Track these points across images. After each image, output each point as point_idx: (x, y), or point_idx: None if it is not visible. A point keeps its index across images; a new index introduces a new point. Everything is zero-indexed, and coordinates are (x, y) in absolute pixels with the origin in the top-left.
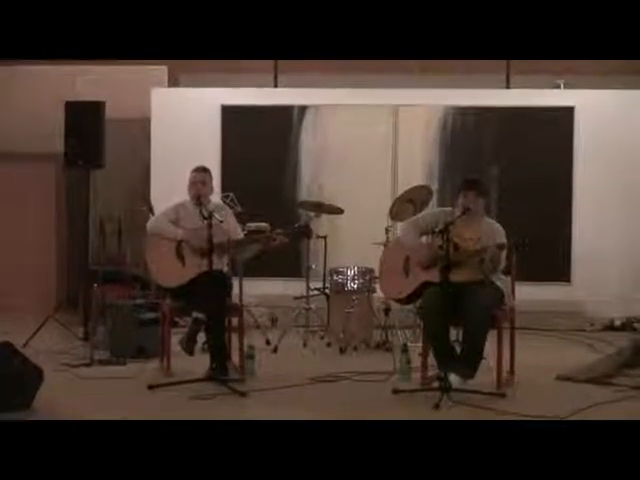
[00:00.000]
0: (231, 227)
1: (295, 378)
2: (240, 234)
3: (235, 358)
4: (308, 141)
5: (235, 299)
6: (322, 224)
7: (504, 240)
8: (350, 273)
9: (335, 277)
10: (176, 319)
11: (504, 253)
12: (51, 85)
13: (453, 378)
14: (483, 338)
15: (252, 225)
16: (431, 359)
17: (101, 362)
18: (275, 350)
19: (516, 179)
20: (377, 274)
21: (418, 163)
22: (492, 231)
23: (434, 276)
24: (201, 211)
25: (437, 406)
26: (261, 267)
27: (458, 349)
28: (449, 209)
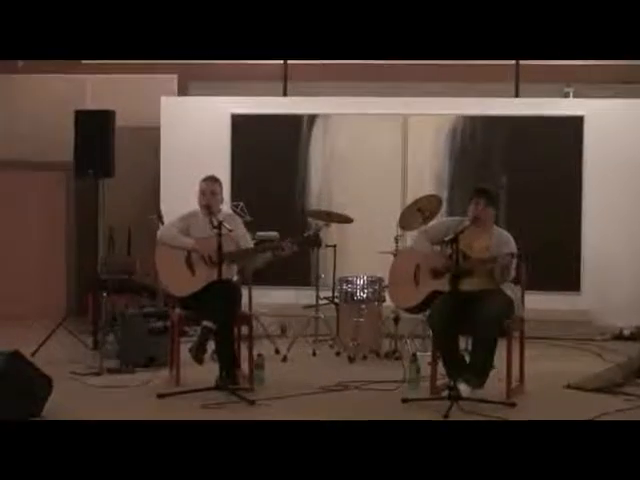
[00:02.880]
0: (241, 236)
1: (304, 387)
2: (250, 243)
3: (244, 367)
4: (317, 150)
5: (244, 308)
6: (331, 233)
7: (514, 249)
8: (359, 282)
9: (344, 286)
10: (186, 328)
11: (514, 262)
12: (61, 94)
13: (463, 387)
14: (493, 347)
15: (262, 234)
16: (441, 368)
17: (110, 371)
18: (284, 359)
19: (525, 188)
20: (387, 283)
21: (427, 172)
22: (502, 240)
23: (444, 285)
24: (211, 220)
25: (446, 415)
26: (270, 276)
27: (468, 358)
28: (459, 218)
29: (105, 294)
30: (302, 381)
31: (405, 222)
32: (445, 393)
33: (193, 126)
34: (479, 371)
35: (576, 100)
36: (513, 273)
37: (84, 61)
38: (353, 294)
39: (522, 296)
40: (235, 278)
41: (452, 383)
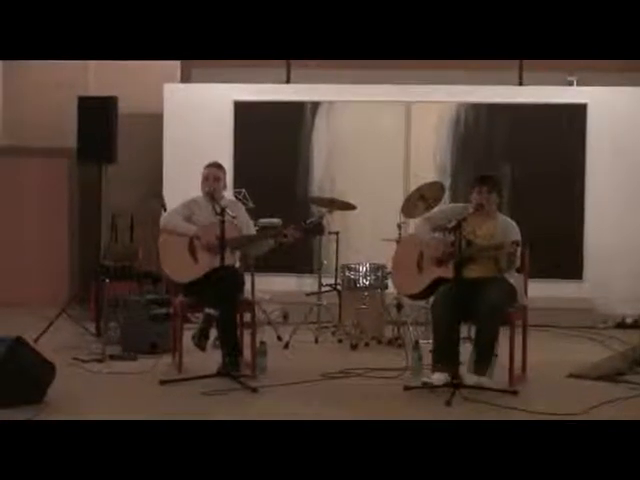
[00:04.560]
0: (243, 223)
1: (306, 374)
2: (252, 230)
3: (247, 354)
4: (320, 137)
5: (247, 295)
6: (334, 220)
7: (518, 237)
8: (362, 269)
9: (347, 273)
10: (188, 315)
11: (519, 250)
12: (64, 80)
13: (468, 376)
14: (495, 334)
15: (264, 221)
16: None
17: (113, 357)
18: (287, 346)
19: (528, 176)
20: (389, 270)
21: (430, 159)
22: (506, 228)
23: (447, 272)
24: (214, 207)
25: (449, 403)
26: (273, 263)
27: (469, 345)
28: (462, 205)
29: (108, 281)
30: (304, 368)
31: (408, 209)
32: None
33: (196, 113)
34: (481, 358)
35: (579, 88)
36: (518, 261)
37: None
38: (356, 281)
39: (525, 284)
40: (237, 265)
41: (454, 371)
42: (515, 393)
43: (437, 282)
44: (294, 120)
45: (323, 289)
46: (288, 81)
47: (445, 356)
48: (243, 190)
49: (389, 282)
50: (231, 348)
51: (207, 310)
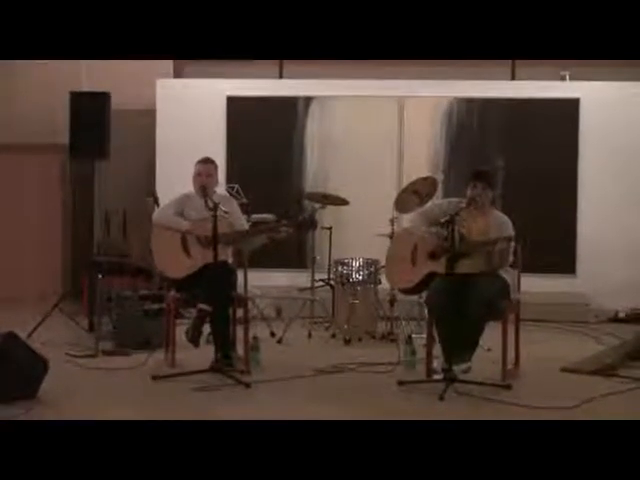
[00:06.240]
0: (236, 218)
1: (300, 369)
2: (245, 225)
3: (240, 349)
4: (313, 132)
5: (240, 290)
6: (327, 215)
7: (512, 233)
8: (355, 264)
9: (340, 268)
10: (181, 310)
11: (512, 246)
12: (56, 76)
13: (456, 368)
14: (480, 329)
15: (257, 216)
16: (436, 350)
17: (106, 353)
18: (280, 341)
19: (521, 171)
20: (383, 264)
21: (423, 154)
22: (499, 223)
23: (441, 267)
24: (206, 202)
25: (442, 397)
26: (266, 258)
27: None
28: (457, 200)
29: (101, 276)
30: (298, 363)
31: (401, 204)
32: (440, 375)
33: (189, 109)
34: (468, 349)
35: (572, 83)
36: (511, 258)
37: None
38: (349, 276)
39: (518, 279)
40: (230, 260)
41: (447, 365)
42: (508, 387)
43: (430, 276)
44: (287, 115)
45: (316, 284)
46: (281, 76)
47: (453, 348)
48: (236, 185)
49: (382, 277)
50: (224, 343)
51: (200, 305)
